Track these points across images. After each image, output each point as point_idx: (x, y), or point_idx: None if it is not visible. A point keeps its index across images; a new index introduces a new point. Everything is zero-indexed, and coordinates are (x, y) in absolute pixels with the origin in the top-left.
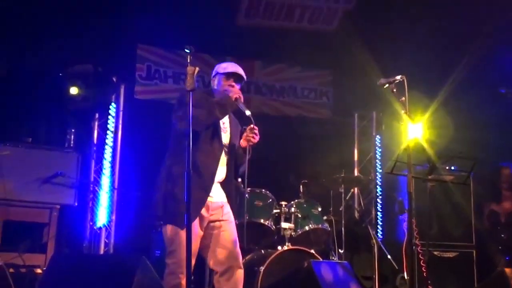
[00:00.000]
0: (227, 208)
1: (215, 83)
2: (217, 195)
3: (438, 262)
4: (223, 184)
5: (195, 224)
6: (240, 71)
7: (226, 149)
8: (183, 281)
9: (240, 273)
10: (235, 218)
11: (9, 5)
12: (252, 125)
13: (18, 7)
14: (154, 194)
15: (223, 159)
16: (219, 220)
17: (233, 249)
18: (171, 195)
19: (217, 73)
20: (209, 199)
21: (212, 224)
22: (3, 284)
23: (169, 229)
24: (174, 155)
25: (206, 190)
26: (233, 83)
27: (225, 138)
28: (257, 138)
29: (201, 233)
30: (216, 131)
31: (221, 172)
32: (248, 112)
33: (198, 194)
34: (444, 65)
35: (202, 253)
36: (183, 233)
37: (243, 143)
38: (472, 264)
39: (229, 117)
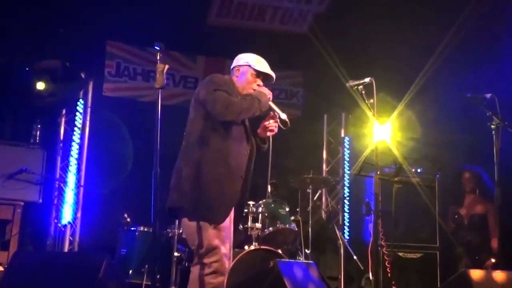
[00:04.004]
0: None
1: (240, 72)
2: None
3: (403, 263)
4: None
5: (227, 220)
6: (273, 74)
7: (250, 145)
8: (225, 278)
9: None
10: None
11: None
12: (273, 113)
13: None
14: (180, 186)
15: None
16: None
17: (230, 252)
18: (206, 193)
19: (249, 66)
20: None
21: None
22: None
23: (206, 226)
24: (204, 146)
25: (237, 188)
26: (261, 83)
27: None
28: (276, 128)
29: None
30: (244, 125)
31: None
32: (284, 115)
33: (231, 194)
34: (412, 68)
35: None
36: (222, 231)
37: (262, 133)
38: (436, 265)
39: None
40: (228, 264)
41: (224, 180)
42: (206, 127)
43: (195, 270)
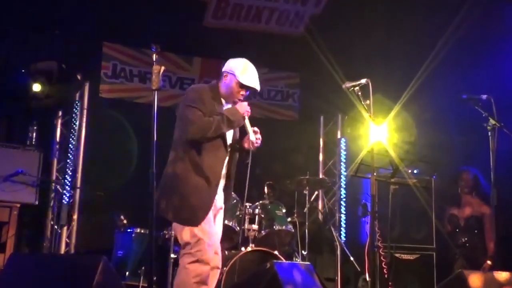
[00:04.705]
0: (221, 213)
1: (227, 79)
2: (219, 199)
3: (399, 264)
4: (225, 186)
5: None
6: (258, 86)
7: (229, 151)
8: (209, 268)
9: (217, 273)
10: None
11: None
12: (255, 128)
13: None
14: (164, 197)
15: (226, 161)
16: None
17: (218, 252)
18: (186, 203)
19: (234, 75)
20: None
21: None
22: None
23: (188, 229)
24: (184, 159)
25: (214, 194)
26: (244, 93)
27: (229, 139)
28: (259, 142)
29: None
30: (223, 136)
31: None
32: (253, 137)
33: (208, 200)
34: (408, 69)
35: None
36: (204, 226)
37: (245, 145)
38: (432, 267)
39: None
40: (218, 257)
41: (202, 190)
42: (186, 142)
43: (180, 261)
